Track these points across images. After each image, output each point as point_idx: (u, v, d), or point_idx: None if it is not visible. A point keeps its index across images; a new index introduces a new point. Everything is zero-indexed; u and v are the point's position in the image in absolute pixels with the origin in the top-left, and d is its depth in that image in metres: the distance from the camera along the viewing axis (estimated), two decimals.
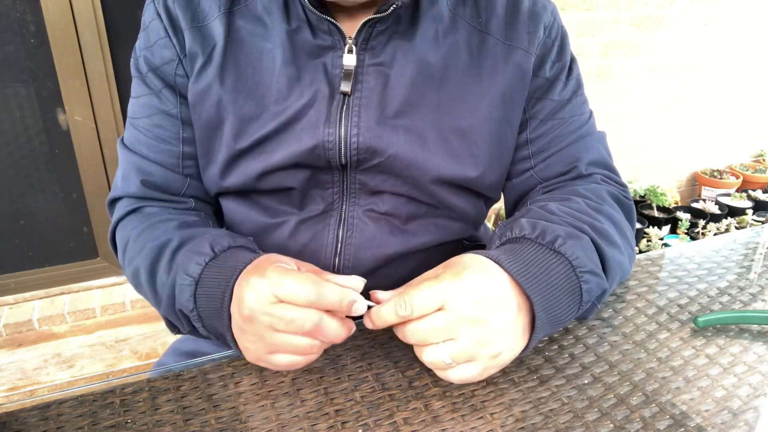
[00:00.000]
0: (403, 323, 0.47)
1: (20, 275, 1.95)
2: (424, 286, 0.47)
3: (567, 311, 0.50)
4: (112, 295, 1.97)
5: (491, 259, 0.49)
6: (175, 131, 0.66)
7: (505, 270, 0.49)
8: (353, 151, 0.61)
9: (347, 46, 0.60)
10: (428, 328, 0.46)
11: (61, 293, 1.98)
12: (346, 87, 0.60)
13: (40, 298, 1.95)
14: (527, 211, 0.59)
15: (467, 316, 0.45)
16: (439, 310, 0.46)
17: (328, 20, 0.59)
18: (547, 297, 0.49)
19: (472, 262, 0.49)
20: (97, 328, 1.90)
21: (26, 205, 1.89)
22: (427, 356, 0.48)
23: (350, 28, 0.61)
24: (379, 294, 0.51)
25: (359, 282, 0.50)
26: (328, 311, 0.48)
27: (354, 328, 0.50)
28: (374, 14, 0.58)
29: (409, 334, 0.47)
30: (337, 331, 0.48)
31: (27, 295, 1.94)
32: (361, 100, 0.61)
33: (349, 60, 0.60)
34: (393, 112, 0.61)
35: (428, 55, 0.61)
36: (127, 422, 0.47)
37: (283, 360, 0.49)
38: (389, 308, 0.47)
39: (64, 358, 1.78)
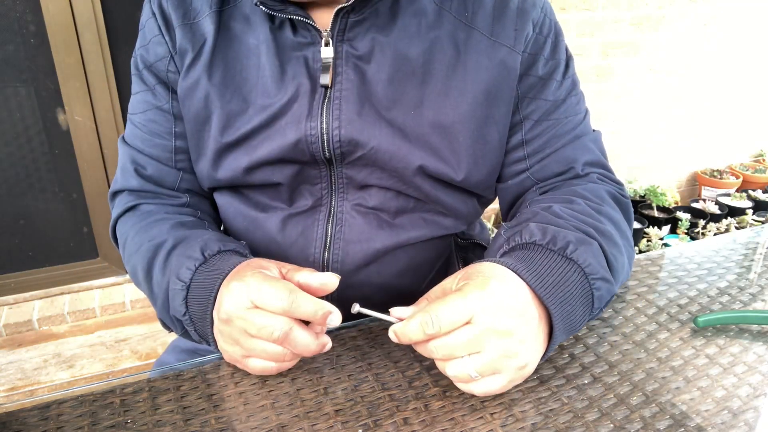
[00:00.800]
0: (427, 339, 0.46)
1: (20, 275, 1.95)
2: (449, 300, 0.45)
3: (581, 319, 0.51)
4: (112, 295, 1.97)
5: (509, 268, 0.49)
6: (167, 126, 0.68)
7: (523, 279, 0.48)
8: (336, 143, 0.61)
9: (323, 39, 0.60)
10: (455, 343, 0.45)
11: (61, 293, 1.98)
12: (325, 79, 0.60)
13: (40, 298, 1.95)
14: (533, 215, 0.58)
15: (494, 328, 0.44)
16: (465, 323, 0.45)
17: (296, 18, 0.59)
18: (563, 306, 0.48)
19: (493, 271, 0.48)
20: (97, 328, 1.90)
21: (26, 205, 1.89)
22: (451, 370, 0.46)
23: (327, 21, 0.61)
24: (400, 310, 0.50)
25: (334, 279, 0.51)
26: (306, 322, 0.48)
27: (328, 345, 0.50)
28: (345, 2, 0.58)
29: (434, 349, 0.46)
30: (307, 343, 0.47)
31: (27, 295, 1.94)
32: (342, 92, 0.61)
33: (327, 52, 0.60)
34: (374, 106, 0.61)
35: (408, 50, 0.61)
36: (127, 422, 0.47)
37: (257, 365, 0.50)
38: (415, 326, 0.45)
39: (64, 358, 1.78)
